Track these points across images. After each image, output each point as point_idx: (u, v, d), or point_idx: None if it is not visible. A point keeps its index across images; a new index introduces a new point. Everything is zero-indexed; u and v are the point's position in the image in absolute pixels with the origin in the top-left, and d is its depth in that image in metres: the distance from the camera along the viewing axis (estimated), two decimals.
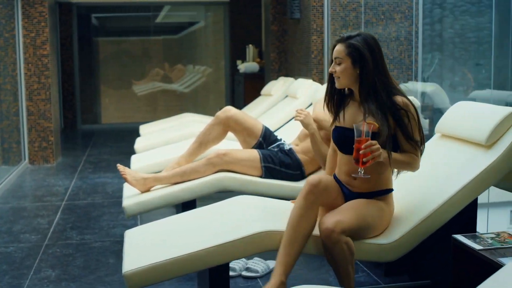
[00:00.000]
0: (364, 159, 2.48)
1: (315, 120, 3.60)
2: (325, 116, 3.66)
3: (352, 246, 2.54)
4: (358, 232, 2.62)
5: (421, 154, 2.70)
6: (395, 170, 2.80)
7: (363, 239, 2.68)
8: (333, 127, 2.84)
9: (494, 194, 4.61)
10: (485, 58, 7.95)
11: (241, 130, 3.98)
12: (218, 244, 2.57)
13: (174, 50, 11.78)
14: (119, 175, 6.24)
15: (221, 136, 3.99)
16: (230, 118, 3.95)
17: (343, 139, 2.73)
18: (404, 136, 2.64)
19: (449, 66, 7.81)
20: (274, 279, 2.54)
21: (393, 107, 2.62)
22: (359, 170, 2.55)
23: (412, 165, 2.67)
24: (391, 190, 2.81)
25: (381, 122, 2.59)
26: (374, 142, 2.48)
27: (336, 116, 2.81)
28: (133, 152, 5.61)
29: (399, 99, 2.64)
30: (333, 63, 2.72)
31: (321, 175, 2.68)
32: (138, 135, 6.80)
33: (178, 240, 2.75)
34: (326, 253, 2.58)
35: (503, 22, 6.63)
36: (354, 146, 2.52)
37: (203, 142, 3.97)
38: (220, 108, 4.29)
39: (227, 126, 3.96)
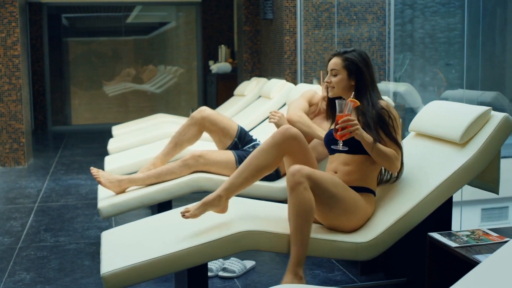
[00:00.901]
0: (340, 133, 2.65)
1: (289, 121, 3.63)
2: (299, 117, 3.69)
3: (312, 203, 2.60)
4: (324, 198, 2.67)
5: (402, 167, 2.89)
6: (380, 174, 2.97)
7: (328, 220, 2.75)
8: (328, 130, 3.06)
9: (466, 192, 4.69)
10: (455, 58, 8.06)
11: (217, 130, 3.98)
12: (197, 244, 2.57)
13: (145, 50, 11.73)
14: (92, 177, 6.20)
15: (196, 136, 3.98)
16: (205, 118, 3.94)
17: (332, 142, 2.88)
18: (387, 137, 2.79)
19: (420, 66, 7.89)
20: (216, 193, 2.75)
21: (378, 109, 2.83)
22: (338, 142, 2.71)
23: (392, 161, 2.77)
24: (373, 192, 2.86)
25: (371, 126, 2.79)
26: (353, 118, 2.66)
27: (333, 120, 3.04)
28: (106, 153, 5.58)
29: (383, 102, 2.87)
30: (328, 74, 2.98)
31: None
32: (110, 136, 6.76)
33: (156, 241, 2.74)
34: (288, 205, 2.63)
35: (473, 23, 6.72)
36: (335, 119, 2.70)
37: (179, 142, 3.96)
38: (193, 109, 4.29)
39: (203, 126, 3.96)
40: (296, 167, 2.62)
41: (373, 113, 2.82)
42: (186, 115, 9.78)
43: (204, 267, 2.72)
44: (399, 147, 2.80)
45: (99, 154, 7.55)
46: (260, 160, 2.83)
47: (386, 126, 2.80)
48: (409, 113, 6.72)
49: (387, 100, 3.91)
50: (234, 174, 2.82)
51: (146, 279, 2.55)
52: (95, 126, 10.83)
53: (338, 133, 2.67)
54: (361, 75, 2.90)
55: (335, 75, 2.94)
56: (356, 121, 2.66)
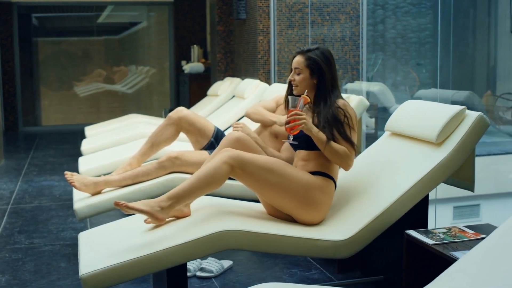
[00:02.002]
0: (288, 126, 2.74)
1: (246, 115, 3.89)
2: (253, 109, 3.91)
3: (221, 178, 2.69)
4: (260, 176, 2.74)
5: (355, 156, 2.90)
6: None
7: (277, 203, 2.81)
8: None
9: (438, 190, 4.74)
10: (426, 58, 8.16)
11: (194, 130, 3.98)
12: (176, 244, 2.56)
13: (115, 50, 11.65)
14: (65, 178, 6.15)
15: (173, 136, 3.97)
16: (182, 118, 3.94)
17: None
18: (340, 135, 2.82)
19: (391, 66, 7.97)
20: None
21: (334, 108, 2.86)
22: (288, 136, 2.81)
23: (343, 159, 2.80)
24: (330, 177, 2.88)
25: (325, 125, 2.83)
26: (301, 112, 2.73)
27: None
28: (79, 154, 5.54)
29: (340, 101, 2.91)
30: (292, 72, 3.00)
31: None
32: (82, 136, 6.72)
33: (134, 242, 2.72)
34: (204, 166, 2.75)
35: (444, 24, 6.81)
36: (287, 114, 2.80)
37: (155, 142, 3.95)
38: (166, 109, 4.29)
39: (180, 126, 3.96)
40: (227, 149, 2.74)
41: (330, 112, 2.85)
42: (159, 115, 9.75)
43: (183, 267, 2.72)
44: (352, 146, 2.83)
45: (72, 155, 7.49)
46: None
47: (340, 125, 2.83)
48: (382, 112, 6.78)
49: (361, 100, 3.96)
50: (187, 181, 2.83)
51: (126, 279, 2.54)
52: (65, 126, 10.74)
53: (286, 126, 2.75)
54: (322, 75, 2.92)
55: (298, 74, 2.96)
56: (304, 116, 2.72)
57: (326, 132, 2.80)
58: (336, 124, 2.82)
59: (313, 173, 2.87)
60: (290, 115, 2.73)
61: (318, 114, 2.88)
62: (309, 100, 2.89)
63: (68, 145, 8.50)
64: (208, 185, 2.70)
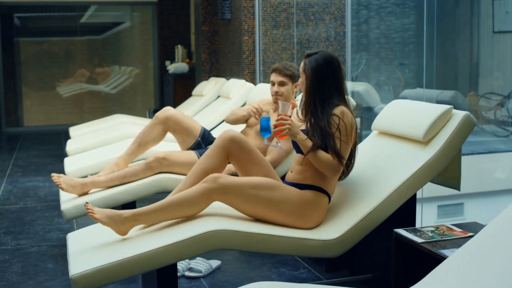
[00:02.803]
0: (274, 130, 2.79)
1: (235, 120, 3.99)
2: (229, 113, 3.99)
3: (198, 208, 2.72)
4: (248, 198, 2.74)
5: (348, 168, 2.92)
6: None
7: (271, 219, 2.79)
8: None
9: (423, 189, 4.78)
10: (409, 58, 8.21)
11: (181, 130, 3.98)
12: (167, 244, 2.56)
13: (98, 50, 11.60)
14: (50, 179, 6.12)
15: (160, 136, 3.97)
16: (169, 118, 3.94)
17: (293, 144, 2.95)
18: (328, 147, 2.77)
19: (375, 66, 8.01)
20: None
21: (328, 116, 2.81)
22: (276, 140, 2.89)
23: (328, 169, 2.77)
24: (325, 191, 2.87)
25: (315, 132, 2.81)
26: (287, 117, 2.77)
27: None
28: (63, 155, 5.52)
29: (339, 109, 2.84)
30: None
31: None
32: (65, 137, 6.68)
33: (124, 242, 2.72)
34: (190, 190, 2.73)
35: (428, 24, 6.85)
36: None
37: (142, 142, 3.95)
38: (150, 109, 4.29)
39: (167, 126, 3.95)
40: (213, 175, 2.71)
41: (323, 120, 2.80)
42: (143, 115, 9.72)
43: (173, 267, 2.72)
44: (339, 159, 2.75)
45: (56, 156, 7.45)
46: (205, 164, 2.93)
47: (330, 138, 2.76)
48: (366, 112, 6.82)
49: (348, 100, 3.95)
50: (183, 180, 2.94)
51: (116, 279, 2.54)
52: (48, 127, 10.67)
53: (274, 130, 2.80)
54: (317, 80, 2.86)
55: (299, 77, 3.02)
56: (289, 121, 2.74)
57: (314, 140, 2.77)
58: (326, 136, 2.76)
59: (306, 186, 2.85)
60: (277, 119, 2.76)
61: (310, 120, 2.85)
62: (296, 105, 2.95)
63: (52, 146, 8.45)
64: (179, 212, 2.73)
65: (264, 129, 2.96)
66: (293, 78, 3.74)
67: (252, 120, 3.90)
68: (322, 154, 2.76)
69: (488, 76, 7.98)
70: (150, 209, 2.70)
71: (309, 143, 2.77)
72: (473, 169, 5.94)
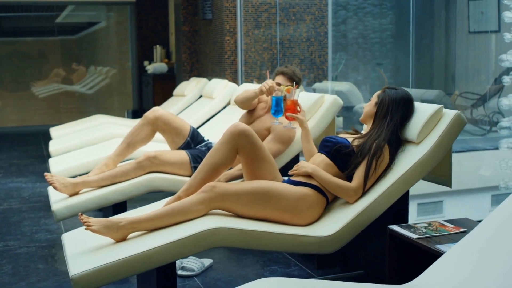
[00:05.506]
0: (288, 114, 3.12)
1: (246, 98, 3.98)
2: (244, 94, 3.97)
3: (193, 216, 2.74)
4: (246, 202, 2.79)
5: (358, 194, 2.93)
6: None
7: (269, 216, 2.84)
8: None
9: None
10: (387, 58, 8.30)
11: (170, 130, 3.98)
12: (166, 243, 2.58)
13: (72, 51, 11.51)
14: (32, 180, 6.09)
15: (149, 136, 3.97)
16: (158, 118, 3.94)
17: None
18: (361, 167, 2.89)
19: (353, 66, 8.08)
20: (177, 194, 2.90)
21: (378, 144, 2.91)
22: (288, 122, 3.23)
23: (342, 195, 2.90)
24: (320, 190, 2.92)
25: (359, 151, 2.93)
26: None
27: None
28: (44, 155, 5.49)
29: (386, 146, 2.93)
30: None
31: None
32: (44, 137, 6.63)
33: (123, 242, 2.73)
34: (188, 199, 2.77)
35: (405, 24, 6.95)
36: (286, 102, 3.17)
37: (131, 142, 3.95)
38: (128, 110, 4.29)
39: (156, 126, 3.96)
40: (210, 184, 2.76)
41: (371, 144, 2.90)
42: (120, 115, 9.70)
43: (172, 266, 2.74)
44: (360, 186, 2.87)
45: (36, 157, 7.40)
46: (214, 159, 2.92)
47: (371, 159, 2.87)
48: (345, 111, 6.89)
49: (335, 99, 4.01)
50: (192, 176, 2.94)
51: (116, 279, 2.55)
52: (23, 128, 10.58)
53: (287, 114, 3.11)
54: (384, 111, 3.00)
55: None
56: (305, 168, 2.92)
57: (354, 157, 2.91)
58: (369, 157, 2.87)
59: (307, 184, 2.91)
60: (290, 105, 3.10)
61: (363, 138, 2.97)
62: (290, 90, 3.19)
63: (31, 147, 8.38)
64: (178, 220, 2.75)
65: (276, 109, 3.17)
66: (298, 83, 3.87)
67: (259, 105, 3.99)
68: (331, 178, 2.89)
69: (464, 75, 8.10)
70: (148, 217, 2.72)
71: (328, 175, 2.89)
72: (452, 167, 6.03)
